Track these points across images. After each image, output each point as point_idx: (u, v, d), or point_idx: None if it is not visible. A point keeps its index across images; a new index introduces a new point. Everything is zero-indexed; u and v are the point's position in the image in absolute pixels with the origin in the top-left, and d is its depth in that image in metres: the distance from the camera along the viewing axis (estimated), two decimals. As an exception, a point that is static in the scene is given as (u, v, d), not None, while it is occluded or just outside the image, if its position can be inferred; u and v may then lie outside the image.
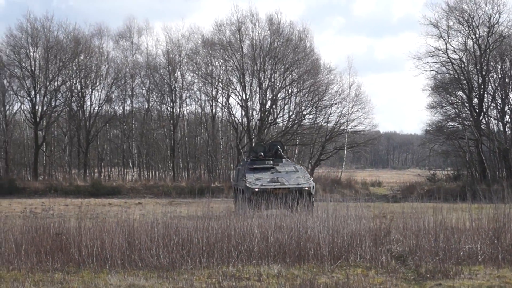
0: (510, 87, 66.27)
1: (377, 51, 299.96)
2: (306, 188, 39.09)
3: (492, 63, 67.08)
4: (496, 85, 67.46)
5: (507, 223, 20.04)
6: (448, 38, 66.77)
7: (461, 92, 68.17)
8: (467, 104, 67.52)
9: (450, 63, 67.23)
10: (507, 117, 67.22)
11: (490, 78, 67.61)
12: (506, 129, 67.56)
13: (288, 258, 18.30)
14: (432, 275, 15.60)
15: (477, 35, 66.09)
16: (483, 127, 67.00)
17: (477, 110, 66.80)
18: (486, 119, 68.16)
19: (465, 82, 66.73)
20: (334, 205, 23.85)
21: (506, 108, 66.98)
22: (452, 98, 68.74)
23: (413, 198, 50.33)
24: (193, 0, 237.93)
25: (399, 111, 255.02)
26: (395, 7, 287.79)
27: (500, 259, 17.06)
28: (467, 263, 16.94)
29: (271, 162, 42.74)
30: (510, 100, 66.89)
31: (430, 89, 70.27)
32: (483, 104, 66.92)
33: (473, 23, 65.91)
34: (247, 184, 39.44)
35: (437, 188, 56.25)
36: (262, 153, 43.76)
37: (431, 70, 69.12)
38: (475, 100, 67.39)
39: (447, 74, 68.60)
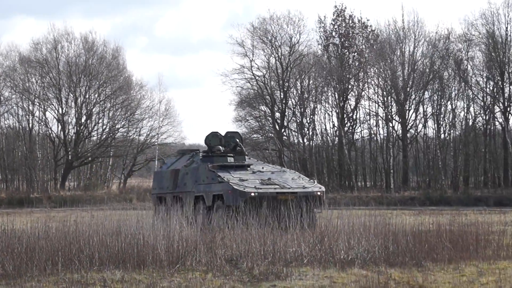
0: (309, 102, 68.24)
1: (179, 68, 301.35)
2: (319, 193, 29.28)
3: (292, 80, 68.39)
4: (296, 100, 69.00)
5: (329, 227, 21.28)
6: (253, 56, 68.16)
7: (264, 107, 69.41)
8: (270, 118, 69.07)
9: (255, 80, 68.52)
10: (305, 129, 68.72)
11: (291, 94, 68.89)
12: (305, 140, 69.00)
13: (128, 264, 17.97)
14: (265, 276, 15.93)
15: (279, 54, 67.64)
16: (284, 139, 68.64)
17: (279, 123, 68.35)
18: (287, 131, 69.54)
19: (268, 97, 68.06)
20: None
21: (305, 121, 68.49)
22: (256, 112, 69.85)
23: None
24: (7, 20, 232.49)
25: (206, 124, 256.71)
26: (194, 28, 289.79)
27: (324, 260, 18.11)
28: (294, 265, 17.29)
29: (233, 160, 31.91)
30: (308, 114, 68.41)
31: (235, 103, 71.35)
32: (285, 118, 68.42)
33: (276, 43, 67.61)
34: (234, 187, 28.10)
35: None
36: (220, 148, 32.32)
37: (237, 86, 70.25)
38: (277, 114, 68.76)
39: (252, 90, 69.75)
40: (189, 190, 30.73)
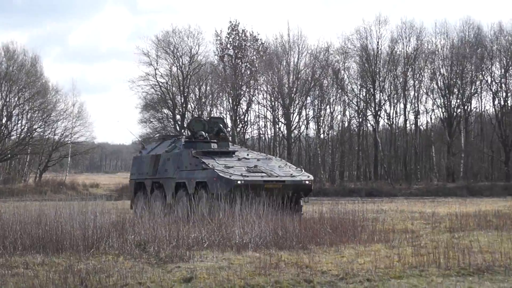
0: (206, 106, 68.25)
1: (91, 75, 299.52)
2: (307, 182, 25.82)
3: (192, 86, 68.25)
4: (195, 104, 69.02)
5: (225, 215, 21.06)
6: (157, 65, 67.86)
7: (166, 110, 69.07)
8: (171, 120, 68.75)
9: (158, 86, 68.07)
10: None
11: (190, 98, 68.68)
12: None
13: (48, 249, 17.59)
14: (170, 259, 15.76)
15: (180, 63, 67.41)
16: (184, 138, 68.51)
17: (179, 124, 68.15)
18: (187, 132, 68.78)
19: (170, 101, 67.77)
20: (78, 203, 24.15)
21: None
22: (159, 114, 69.48)
23: (129, 197, 51.20)
24: None
25: (112, 125, 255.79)
26: (103, 39, 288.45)
27: (221, 244, 18.16)
28: (196, 249, 17.19)
29: (216, 146, 27.88)
30: (205, 116, 67.96)
31: (141, 107, 71.00)
32: (185, 120, 67.92)
33: (177, 53, 67.38)
34: (220, 174, 24.35)
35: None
36: (204, 133, 28.14)
37: (143, 91, 69.76)
38: (178, 116, 68.39)
39: (155, 95, 69.36)
40: (171, 176, 26.94)
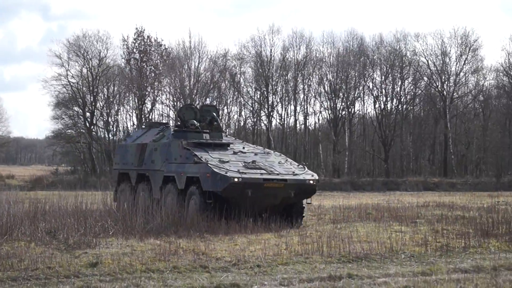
0: (113, 104, 67.72)
1: (6, 75, 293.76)
2: (312, 182, 21.19)
3: (100, 87, 67.29)
4: (103, 103, 68.06)
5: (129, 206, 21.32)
6: (68, 66, 66.24)
7: (77, 107, 67.93)
8: (81, 117, 67.82)
9: (70, 86, 66.42)
10: (111, 126, 68.01)
11: (99, 98, 67.69)
12: (110, 135, 68.25)
13: None
14: (78, 245, 15.70)
15: (90, 65, 66.05)
16: (93, 134, 67.64)
17: (89, 121, 67.34)
18: (96, 128, 68.43)
19: (80, 100, 66.68)
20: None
21: (110, 120, 67.68)
22: (70, 112, 68.40)
23: (41, 187, 50.36)
24: None
25: (26, 121, 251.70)
26: (18, 42, 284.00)
27: (126, 232, 17.96)
28: (102, 236, 17.19)
29: (208, 136, 23.41)
30: (113, 114, 68.05)
31: (53, 104, 69.14)
32: (94, 117, 67.37)
33: (88, 56, 66.05)
34: (214, 170, 19.94)
35: (59, 180, 56.29)
36: (195, 122, 23.60)
37: (55, 91, 68.03)
38: (88, 114, 67.44)
39: (67, 94, 67.68)
40: (158, 168, 22.65)
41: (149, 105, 67.59)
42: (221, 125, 25.46)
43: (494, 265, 13.57)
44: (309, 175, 21.38)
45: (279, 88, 66.90)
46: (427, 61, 66.03)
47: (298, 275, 12.36)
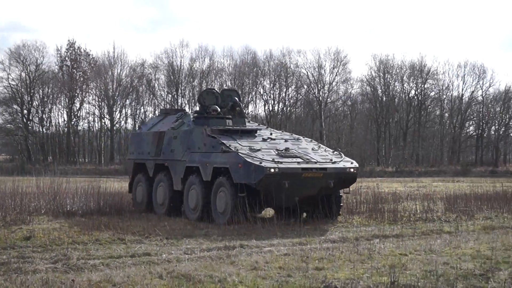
0: (48, 104, 66.07)
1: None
2: (352, 170, 16.26)
3: (37, 88, 65.26)
4: (39, 102, 66.16)
5: (60, 188, 19.93)
6: (9, 71, 64.25)
7: (16, 106, 65.80)
8: (20, 113, 65.80)
9: (10, 87, 64.37)
10: (45, 122, 66.14)
11: (35, 98, 65.78)
12: (44, 130, 66.48)
13: None
14: (15, 222, 15.33)
15: (28, 70, 64.20)
16: (30, 128, 65.91)
17: (26, 117, 65.43)
18: (32, 123, 66.61)
19: (19, 99, 64.82)
20: None
21: (44, 117, 65.92)
22: (10, 109, 66.20)
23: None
24: None
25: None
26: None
27: (56, 211, 17.44)
28: (35, 214, 16.87)
29: (231, 122, 18.10)
30: (46, 112, 66.40)
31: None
32: (31, 114, 65.53)
33: (26, 62, 64.22)
34: (247, 159, 15.22)
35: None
36: (217, 108, 18.29)
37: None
38: (25, 111, 65.46)
39: (7, 94, 65.27)
40: (179, 158, 17.29)
41: (78, 105, 66.48)
42: (243, 110, 19.61)
43: (356, 236, 13.91)
44: (348, 163, 16.31)
45: (187, 92, 66.68)
46: (307, 72, 67.11)
47: (199, 246, 12.38)
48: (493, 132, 69.52)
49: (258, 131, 17.72)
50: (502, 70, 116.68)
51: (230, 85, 64.96)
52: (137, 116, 67.40)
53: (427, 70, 66.92)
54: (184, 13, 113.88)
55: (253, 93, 66.66)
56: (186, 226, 15.37)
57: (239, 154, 15.26)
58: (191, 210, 16.77)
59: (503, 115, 70.10)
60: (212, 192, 16.09)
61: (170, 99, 66.68)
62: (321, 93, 66.90)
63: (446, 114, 68.71)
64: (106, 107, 65.92)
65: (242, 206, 15.15)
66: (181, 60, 65.83)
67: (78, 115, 66.57)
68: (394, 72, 67.64)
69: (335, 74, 66.96)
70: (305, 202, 16.18)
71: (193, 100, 66.52)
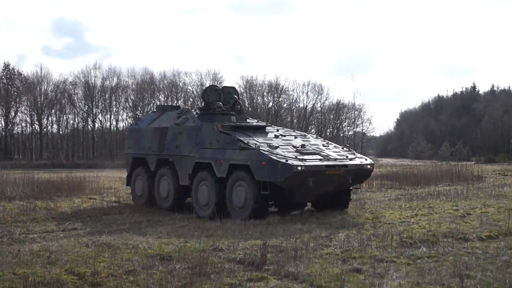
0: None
1: None
2: (369, 167, 12.61)
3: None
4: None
5: (3, 177, 19.21)
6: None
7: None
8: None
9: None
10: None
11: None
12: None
13: None
14: None
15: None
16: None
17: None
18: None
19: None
20: None
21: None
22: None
23: None
24: None
25: None
26: None
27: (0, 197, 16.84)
28: None
29: (234, 119, 14.11)
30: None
31: None
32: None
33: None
34: (271, 157, 11.28)
35: None
36: (221, 104, 14.43)
37: None
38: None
39: None
40: (186, 154, 13.49)
41: (13, 113, 62.51)
42: (243, 108, 15.52)
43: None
44: (363, 159, 12.78)
45: (100, 104, 64.42)
46: (192, 89, 66.40)
47: (115, 221, 12.21)
48: (328, 133, 72.21)
49: (266, 127, 13.81)
50: (334, 88, 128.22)
51: (133, 98, 63.76)
52: (60, 122, 64.59)
53: (281, 88, 68.48)
54: (97, 41, 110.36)
55: (151, 104, 65.56)
56: (103, 205, 15.02)
57: (262, 151, 11.51)
58: (202, 206, 12.70)
59: (336, 121, 73.36)
60: (227, 188, 12.11)
61: (86, 109, 64.42)
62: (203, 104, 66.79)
63: (295, 120, 70.63)
64: (36, 115, 62.64)
65: (264, 203, 11.66)
66: (94, 79, 63.65)
67: (14, 121, 62.85)
68: (257, 89, 68.74)
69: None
70: (320, 198, 12.80)
71: (104, 110, 64.74)
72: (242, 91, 66.27)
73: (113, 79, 64.52)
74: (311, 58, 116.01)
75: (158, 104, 61.25)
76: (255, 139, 12.42)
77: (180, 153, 13.70)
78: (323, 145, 13.16)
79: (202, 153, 12.96)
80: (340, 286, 6.14)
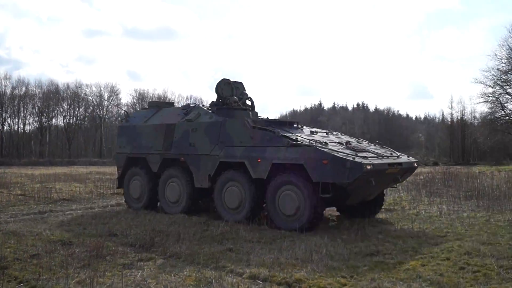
0: None
1: None
2: (416, 165, 9.03)
3: None
4: None
5: None
6: None
7: None
8: None
9: None
10: None
11: None
12: None
13: None
14: None
15: None
16: None
17: None
18: None
19: None
20: None
21: None
22: None
23: None
24: None
25: None
26: None
27: None
28: None
29: (250, 114, 10.16)
30: None
31: None
32: None
33: None
34: (336, 155, 7.41)
35: None
36: (237, 99, 10.21)
37: None
38: None
39: None
40: (205, 153, 9.44)
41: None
42: (253, 103, 11.25)
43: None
44: (405, 157, 9.36)
45: (9, 110, 58.35)
46: (92, 99, 63.06)
47: (21, 212, 11.18)
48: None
49: (294, 124, 10.05)
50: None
51: (40, 105, 58.96)
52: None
53: (168, 99, 67.24)
54: (8, 55, 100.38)
55: (55, 111, 61.15)
56: (9, 198, 13.64)
57: (320, 148, 7.97)
58: (230, 210, 9.13)
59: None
60: (269, 193, 8.47)
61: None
62: (101, 113, 63.77)
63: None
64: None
65: (322, 208, 8.18)
66: (4, 88, 57.82)
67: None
68: (147, 100, 66.72)
69: (111, 100, 64.37)
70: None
71: (13, 115, 59.08)
72: (135, 101, 64.29)
73: (21, 88, 59.43)
74: (193, 76, 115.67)
75: (150, 101, 55.22)
76: (299, 135, 8.84)
77: (195, 152, 9.75)
78: (358, 142, 9.56)
79: (231, 151, 9.12)
80: (216, 262, 6.11)
